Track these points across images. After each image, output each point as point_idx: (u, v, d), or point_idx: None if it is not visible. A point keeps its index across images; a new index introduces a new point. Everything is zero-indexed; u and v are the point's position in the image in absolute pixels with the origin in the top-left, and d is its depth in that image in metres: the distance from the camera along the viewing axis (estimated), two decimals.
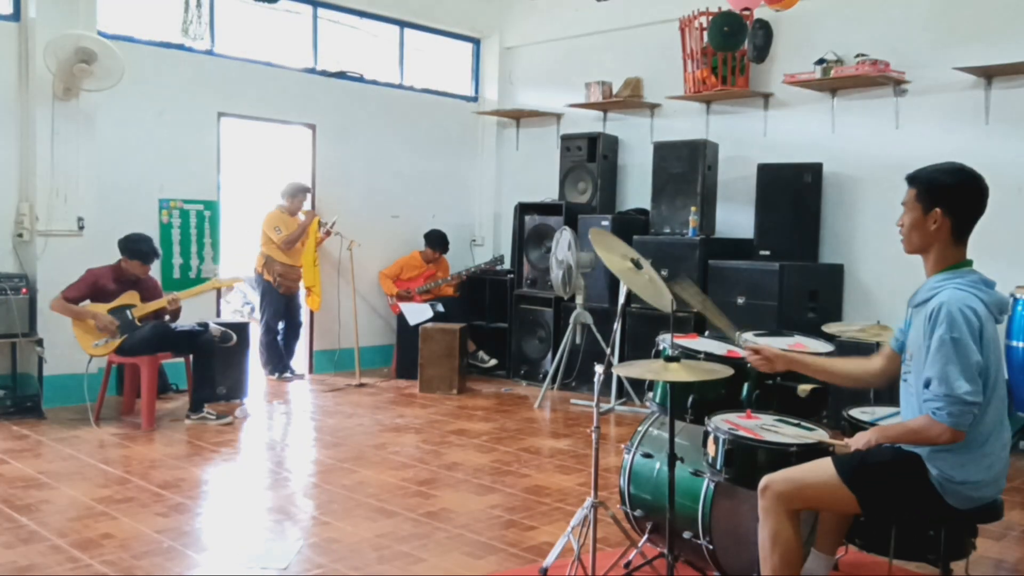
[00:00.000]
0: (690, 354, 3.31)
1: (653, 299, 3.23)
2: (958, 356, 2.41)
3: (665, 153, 7.12)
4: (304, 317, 7.81)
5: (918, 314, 2.59)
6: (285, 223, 7.44)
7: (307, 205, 7.70)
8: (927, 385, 2.46)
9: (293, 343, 7.80)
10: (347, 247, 7.67)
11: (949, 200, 2.58)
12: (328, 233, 7.60)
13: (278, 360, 7.63)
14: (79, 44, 5.92)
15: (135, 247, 5.87)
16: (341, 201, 7.95)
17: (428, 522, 4.01)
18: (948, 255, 2.61)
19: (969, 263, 2.62)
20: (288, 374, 7.65)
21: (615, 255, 3.23)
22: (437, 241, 8.20)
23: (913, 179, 2.66)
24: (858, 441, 2.62)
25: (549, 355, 7.47)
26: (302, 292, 7.69)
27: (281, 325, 7.66)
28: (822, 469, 2.60)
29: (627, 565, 3.36)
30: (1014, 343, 5.17)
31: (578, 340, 6.94)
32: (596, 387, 3.19)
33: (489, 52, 9.13)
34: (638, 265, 3.20)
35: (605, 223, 7.29)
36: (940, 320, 2.45)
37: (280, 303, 7.56)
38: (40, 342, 6.00)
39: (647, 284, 3.23)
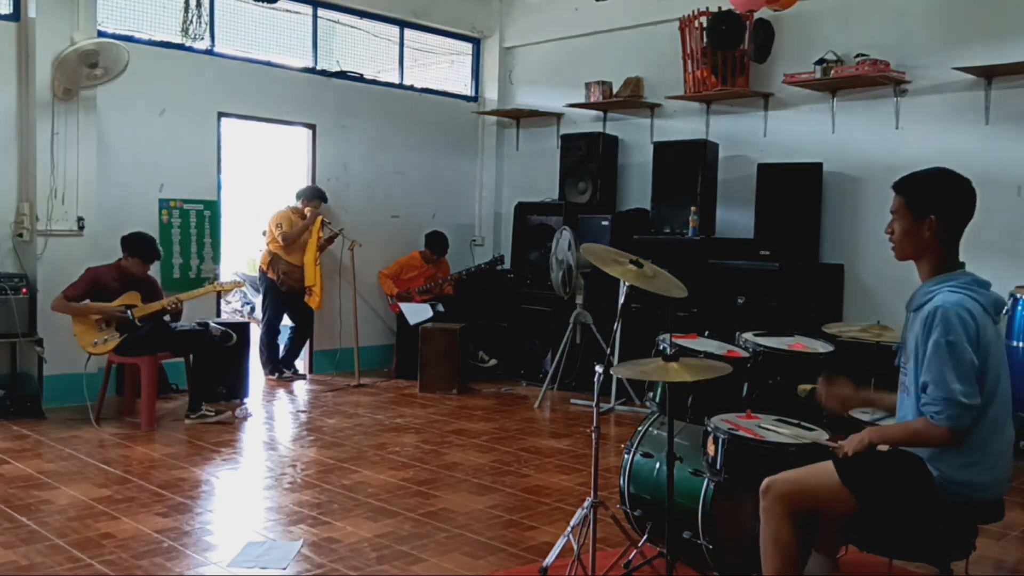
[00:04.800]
0: (690, 354, 3.31)
1: (665, 290, 3.20)
2: (953, 359, 2.41)
3: (665, 153, 7.12)
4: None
5: (915, 319, 2.59)
6: (289, 221, 7.46)
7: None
8: (924, 389, 2.46)
9: (301, 343, 7.80)
10: (348, 247, 7.66)
11: (942, 207, 2.56)
12: (331, 239, 7.57)
13: (277, 360, 7.63)
14: (80, 51, 5.91)
15: (137, 245, 5.88)
16: (341, 201, 7.95)
17: (428, 522, 4.01)
18: (941, 259, 2.60)
19: (962, 265, 2.61)
20: (289, 373, 7.65)
21: (611, 263, 3.21)
22: (437, 243, 8.19)
23: (901, 187, 2.64)
24: (851, 443, 2.60)
25: (549, 355, 7.47)
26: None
27: (290, 325, 7.67)
28: (823, 471, 2.59)
29: (627, 565, 3.37)
30: (1014, 343, 5.17)
31: (578, 340, 6.94)
32: (596, 387, 3.19)
33: (489, 52, 9.13)
34: (638, 264, 3.20)
35: (605, 223, 7.29)
36: (936, 324, 2.45)
37: (284, 302, 7.55)
38: (40, 342, 6.00)
39: (654, 278, 3.21)
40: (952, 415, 2.40)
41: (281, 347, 7.73)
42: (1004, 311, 5.11)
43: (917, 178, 2.63)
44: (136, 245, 5.89)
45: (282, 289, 7.49)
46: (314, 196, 7.57)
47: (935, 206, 2.56)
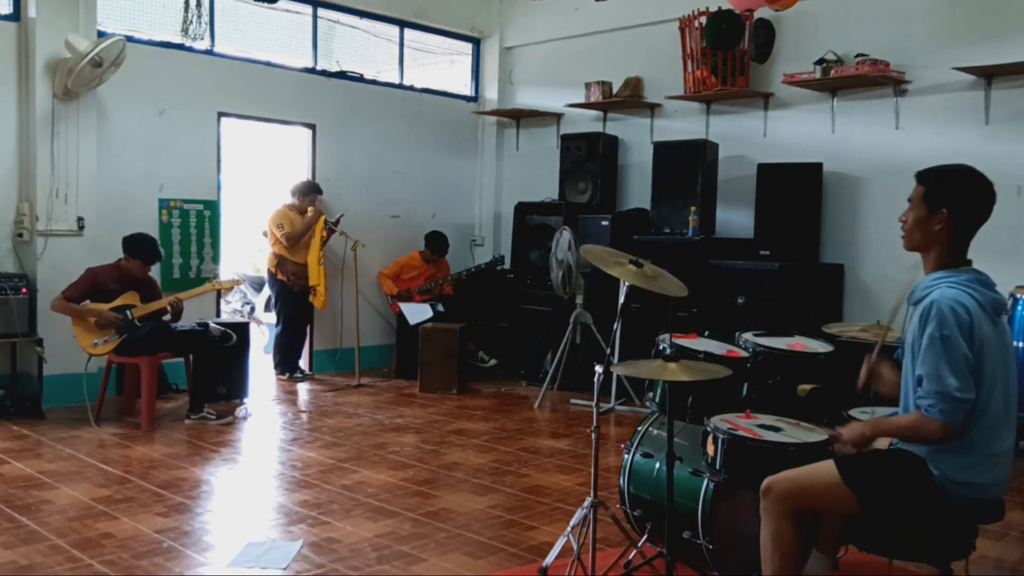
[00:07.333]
0: (689, 354, 3.31)
1: (665, 289, 3.20)
2: (947, 353, 2.41)
3: (665, 153, 7.12)
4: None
5: (914, 312, 2.59)
6: (290, 220, 7.44)
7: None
8: (919, 383, 2.46)
9: (302, 343, 7.80)
10: (351, 247, 7.66)
11: (957, 203, 2.57)
12: (331, 231, 7.55)
13: (291, 361, 7.62)
14: (88, 56, 5.90)
15: (138, 247, 5.88)
16: (341, 201, 7.95)
17: (428, 522, 4.01)
18: (947, 256, 2.59)
19: (968, 263, 2.61)
20: (298, 374, 7.65)
21: (611, 264, 3.21)
22: (437, 244, 8.19)
23: (923, 177, 2.65)
24: (852, 432, 2.62)
25: (549, 355, 7.47)
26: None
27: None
28: (824, 470, 2.60)
29: (627, 565, 3.37)
30: (1015, 343, 5.17)
31: (578, 340, 6.94)
32: (596, 387, 3.19)
33: (489, 52, 9.13)
34: (638, 264, 3.19)
35: (605, 223, 7.29)
36: (931, 318, 2.46)
37: (297, 302, 7.54)
38: (40, 342, 6.00)
39: (654, 278, 3.21)
40: (945, 409, 2.40)
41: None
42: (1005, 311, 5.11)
43: (939, 171, 2.65)
44: (137, 246, 5.88)
45: (294, 290, 7.48)
46: (310, 191, 7.54)
47: (949, 200, 2.57)
